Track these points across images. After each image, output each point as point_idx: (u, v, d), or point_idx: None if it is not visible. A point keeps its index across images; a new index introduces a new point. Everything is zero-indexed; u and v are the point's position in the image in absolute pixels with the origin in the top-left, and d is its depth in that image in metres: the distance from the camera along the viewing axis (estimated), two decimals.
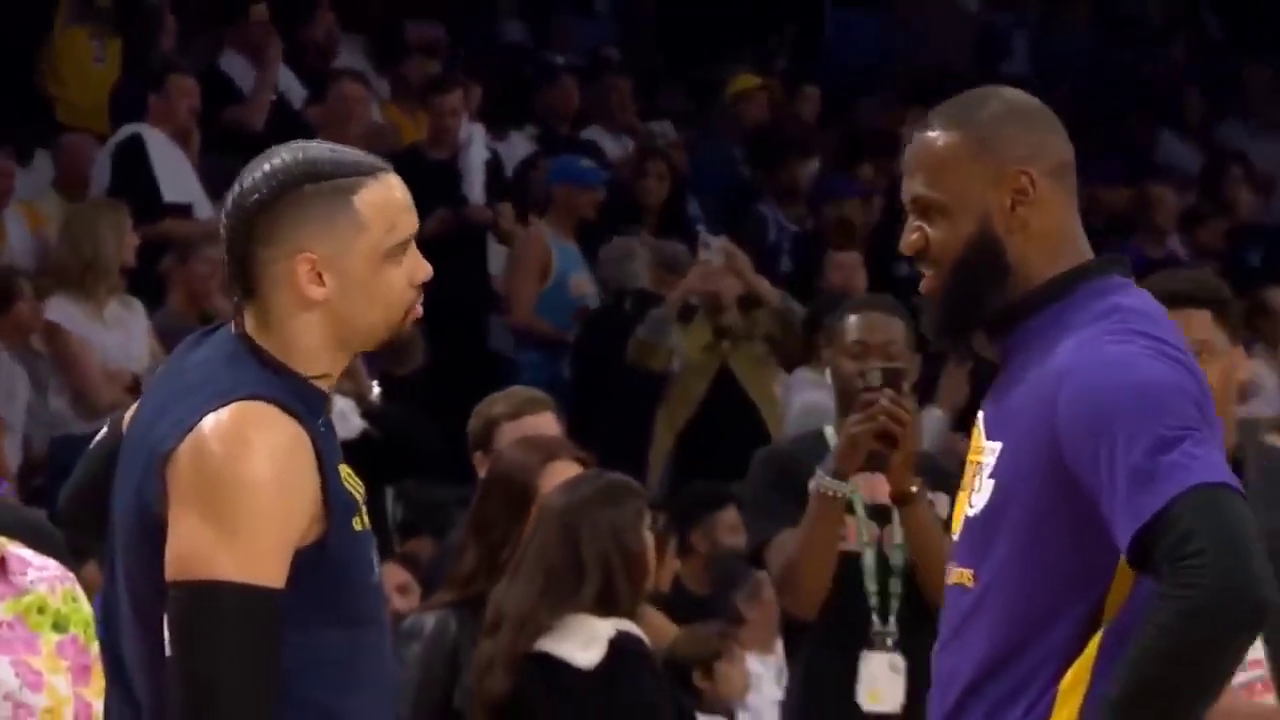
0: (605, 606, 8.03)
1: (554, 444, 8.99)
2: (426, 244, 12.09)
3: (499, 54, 20.73)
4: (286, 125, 15.34)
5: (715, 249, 15.23)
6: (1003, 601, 5.00)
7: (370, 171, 5.11)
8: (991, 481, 5.00)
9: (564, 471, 8.41)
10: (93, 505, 5.40)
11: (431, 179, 16.18)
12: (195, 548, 4.78)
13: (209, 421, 4.80)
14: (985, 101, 5.06)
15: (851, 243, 17.20)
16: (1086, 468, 4.80)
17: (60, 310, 13.76)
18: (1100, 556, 4.84)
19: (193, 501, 4.82)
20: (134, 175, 15.73)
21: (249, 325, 5.08)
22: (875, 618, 9.12)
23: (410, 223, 5.14)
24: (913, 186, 5.05)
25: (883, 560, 9.22)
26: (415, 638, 8.44)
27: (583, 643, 8.03)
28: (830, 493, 8.91)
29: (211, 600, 4.78)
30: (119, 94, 16.66)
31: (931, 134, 5.01)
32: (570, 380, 16.08)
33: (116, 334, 13.35)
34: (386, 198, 5.10)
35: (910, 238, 5.01)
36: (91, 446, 5.67)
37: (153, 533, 4.92)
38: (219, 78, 17.61)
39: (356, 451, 11.94)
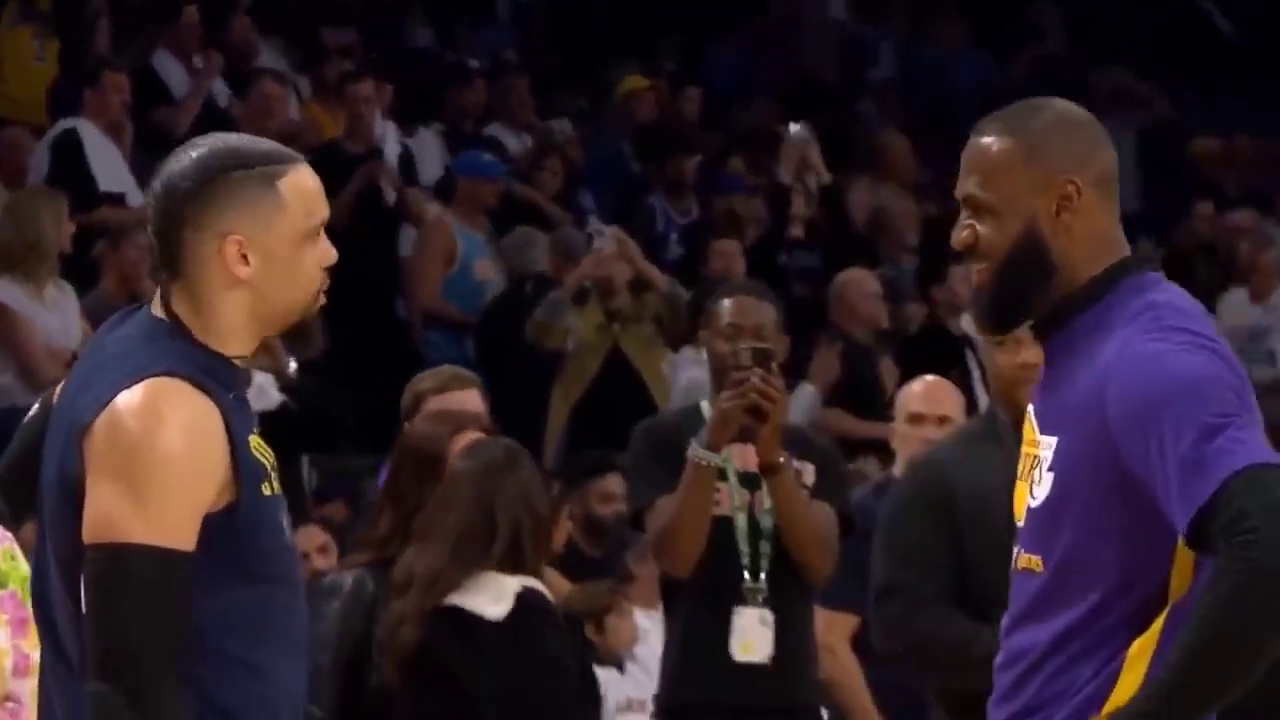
0: (513, 565, 7.92)
1: (463, 417, 8.80)
2: (343, 230, 11.81)
3: (408, 57, 20.44)
4: (212, 122, 15.03)
5: (608, 237, 15.06)
6: (1071, 584, 4.89)
7: (289, 160, 4.99)
8: (1051, 474, 4.90)
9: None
10: (26, 475, 5.21)
11: (349, 171, 15.92)
12: (109, 514, 4.66)
13: (123, 397, 4.70)
14: (1038, 112, 4.97)
15: (733, 233, 16.72)
16: (1139, 462, 4.69)
17: (4, 291, 13.35)
18: (1159, 540, 4.71)
19: (108, 471, 4.71)
20: (70, 166, 15.57)
21: (176, 304, 4.95)
22: (746, 576, 9.02)
23: (324, 208, 5.05)
24: (966, 186, 4.93)
25: (753, 523, 9.12)
26: (335, 594, 8.31)
27: (492, 598, 7.94)
28: (704, 462, 8.92)
29: (123, 562, 4.66)
30: (57, 90, 16.58)
31: (986, 139, 4.92)
32: (474, 358, 15.31)
33: (55, 314, 13.10)
34: (304, 184, 4.94)
35: (961, 234, 4.88)
36: (25, 420, 5.52)
37: (74, 500, 4.79)
38: (151, 75, 17.37)
39: (274, 422, 12.08)
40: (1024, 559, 5.05)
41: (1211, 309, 16.43)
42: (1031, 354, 7.38)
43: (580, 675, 9.43)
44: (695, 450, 9.05)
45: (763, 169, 19.43)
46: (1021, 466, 5.13)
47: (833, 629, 10.08)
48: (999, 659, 5.09)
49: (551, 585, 9.57)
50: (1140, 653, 4.81)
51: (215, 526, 4.89)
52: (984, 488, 7.53)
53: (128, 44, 17.65)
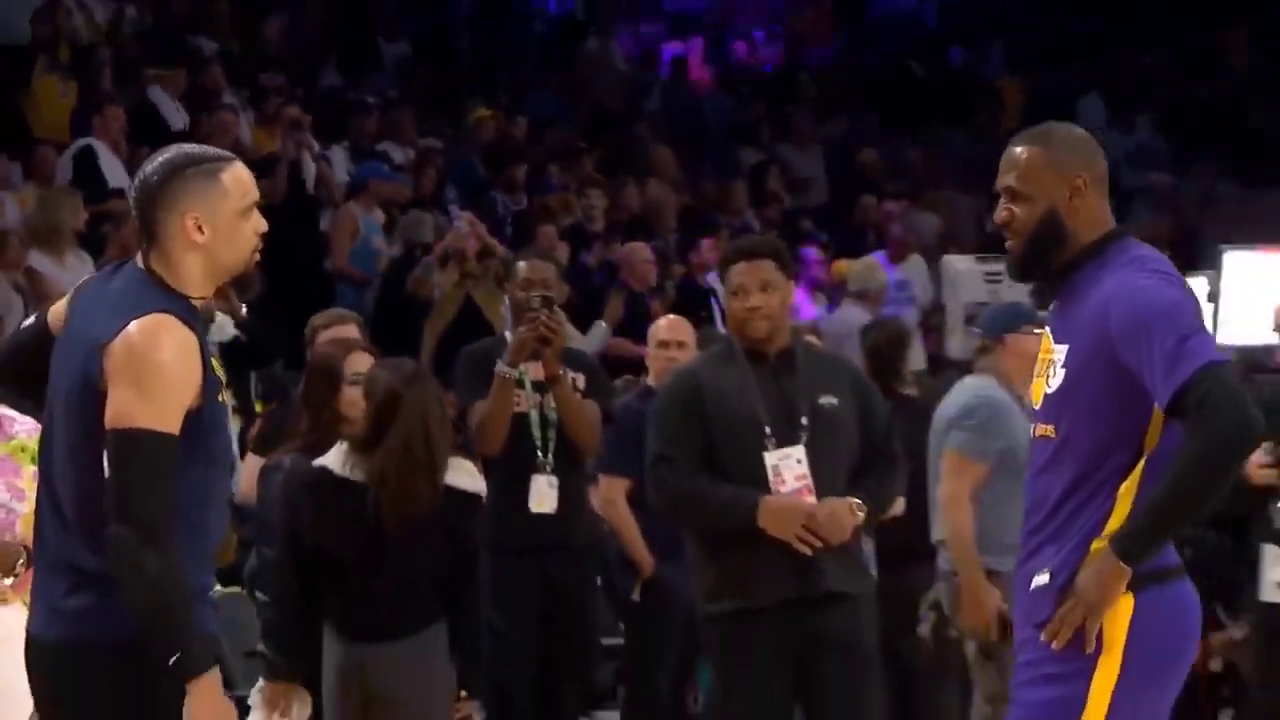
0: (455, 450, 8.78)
1: (350, 342, 9.02)
2: (279, 212, 13.26)
3: (323, 94, 20.21)
4: (188, 141, 15.77)
5: (463, 220, 15.51)
6: (1077, 445, 5.31)
7: (227, 159, 5.28)
8: (1063, 370, 5.34)
9: (360, 360, 8.31)
10: (13, 367, 5.46)
11: (283, 172, 16.80)
12: (125, 407, 4.91)
13: (134, 325, 4.94)
14: (1056, 131, 5.48)
15: (550, 220, 16.95)
16: (1133, 359, 5.17)
17: (37, 260, 13.67)
18: (1139, 412, 5.19)
19: (124, 377, 4.94)
20: (87, 171, 15.56)
21: (154, 263, 5.20)
22: (539, 454, 9.38)
23: (254, 193, 5.31)
24: (1005, 180, 5.45)
25: (543, 417, 9.44)
26: (278, 470, 8.28)
27: (466, 475, 7.98)
28: (506, 375, 9.35)
29: (135, 442, 4.91)
30: (75, 118, 16.53)
31: (1020, 149, 5.42)
32: (373, 305, 15.69)
33: (73, 276, 13.50)
34: (240, 176, 5.24)
35: (1001, 214, 5.43)
36: (20, 327, 5.76)
37: (93, 398, 5.04)
38: (149, 107, 17.14)
39: (230, 349, 12.21)
40: (1040, 429, 5.45)
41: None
42: (756, 299, 7.69)
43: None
44: (500, 366, 9.42)
45: (573, 174, 19.37)
46: (1039, 368, 5.53)
47: (612, 489, 10.17)
48: (1026, 505, 5.58)
49: None
50: (1126, 493, 5.26)
51: (188, 423, 5.15)
52: (723, 390, 7.81)
53: (128, 85, 17.33)
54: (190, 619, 5.14)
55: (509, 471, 9.79)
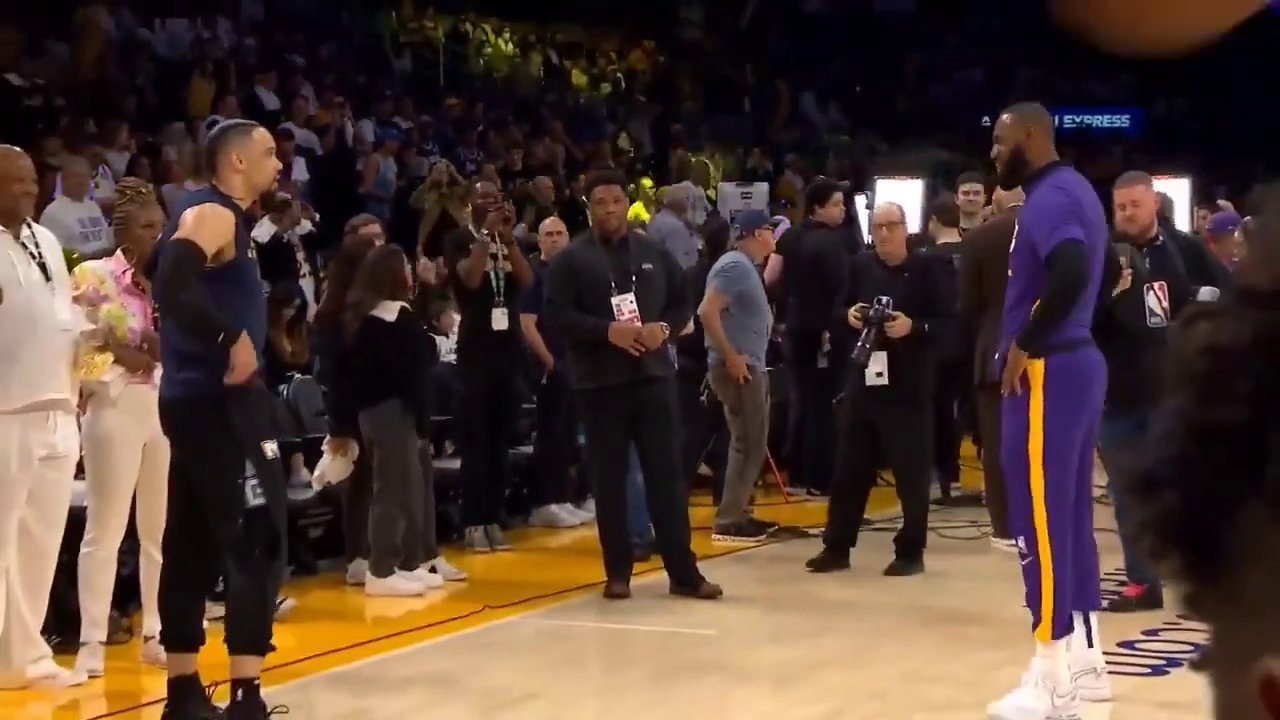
0: (390, 295, 9.50)
1: (371, 235, 10.37)
2: (331, 157, 17.54)
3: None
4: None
5: (442, 164, 17.62)
6: (1020, 282, 7.00)
7: (256, 126, 6.74)
8: (1017, 244, 7.10)
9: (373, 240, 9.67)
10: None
11: (332, 135, 18.70)
12: (181, 234, 6.20)
13: (198, 207, 6.33)
14: (1024, 105, 7.29)
15: (491, 163, 19.06)
16: (1037, 237, 6.88)
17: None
18: (1039, 267, 6.88)
19: (186, 224, 6.19)
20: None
21: (216, 181, 6.50)
22: (495, 294, 10.99)
23: (271, 142, 6.60)
24: (996, 133, 7.12)
25: (498, 273, 11.05)
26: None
27: (388, 310, 9.40)
28: (486, 243, 10.85)
29: (178, 245, 6.19)
30: (212, 106, 17.59)
31: (1005, 116, 7.12)
32: (390, 215, 17.14)
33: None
34: (264, 134, 6.62)
35: (994, 152, 7.16)
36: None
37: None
38: (255, 97, 18.47)
39: (309, 237, 14.77)
40: (1009, 273, 7.05)
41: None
42: (610, 207, 9.51)
43: (421, 340, 10.05)
44: (482, 237, 10.74)
45: (503, 139, 21.21)
46: (1013, 245, 7.05)
47: (526, 320, 11.28)
48: (1005, 316, 7.10)
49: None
50: (1036, 307, 6.89)
51: (228, 268, 6.34)
52: (588, 261, 9.41)
53: (242, 85, 18.90)
54: (217, 317, 6.29)
55: (479, 302, 10.75)
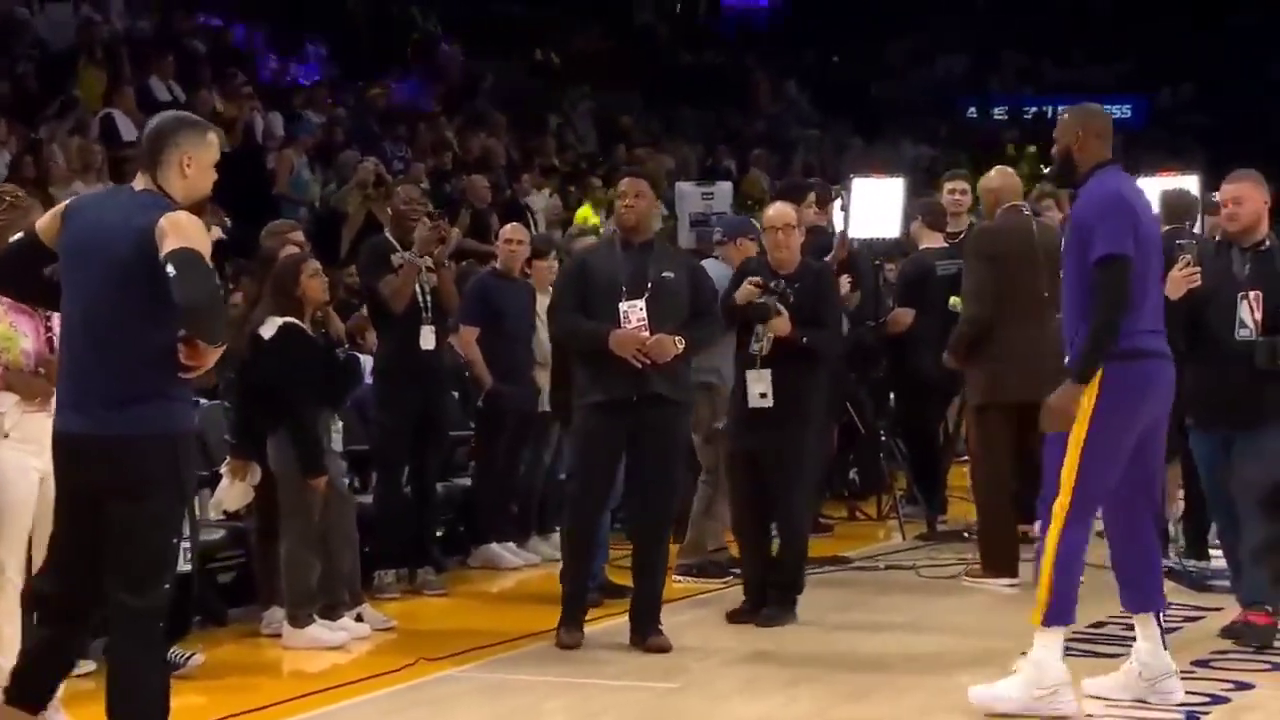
0: (280, 310, 9.61)
1: (290, 240, 10.39)
2: (236, 156, 15.74)
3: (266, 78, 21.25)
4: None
5: (369, 165, 18.04)
6: (1071, 284, 7.63)
7: (211, 127, 6.48)
8: (1068, 243, 7.60)
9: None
10: (11, 270, 6.52)
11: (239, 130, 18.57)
12: (181, 243, 5.95)
13: (170, 214, 6.08)
14: (1080, 107, 7.86)
15: (421, 161, 19.63)
16: (1090, 236, 7.43)
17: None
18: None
19: (174, 233, 5.98)
20: (109, 130, 17.03)
21: (158, 183, 6.28)
22: (423, 312, 11.28)
23: (219, 150, 6.45)
24: (1055, 131, 7.78)
25: (423, 288, 11.14)
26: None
27: (269, 328, 9.54)
28: (415, 263, 10.94)
29: (191, 253, 6.00)
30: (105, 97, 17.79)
31: (1063, 113, 7.80)
32: (309, 218, 17.57)
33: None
34: (217, 139, 6.45)
35: (1053, 150, 7.83)
36: (12, 241, 6.68)
37: (149, 257, 6.02)
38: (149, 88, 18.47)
39: (220, 245, 12.29)
40: (1062, 274, 7.62)
41: None
42: (630, 200, 9.61)
43: (333, 360, 10.04)
44: (411, 257, 10.89)
45: (433, 132, 21.34)
46: (1064, 244, 7.61)
47: (467, 334, 11.75)
48: (1063, 316, 7.66)
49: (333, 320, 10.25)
50: (1085, 337, 7.46)
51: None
52: (599, 265, 9.55)
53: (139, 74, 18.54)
54: (220, 319, 6.22)
55: (407, 324, 10.87)
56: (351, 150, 19.35)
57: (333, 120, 20.47)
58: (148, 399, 6.04)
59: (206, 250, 5.99)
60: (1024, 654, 7.53)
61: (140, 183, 6.19)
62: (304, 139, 19.39)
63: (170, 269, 5.83)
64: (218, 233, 12.86)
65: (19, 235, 6.47)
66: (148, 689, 6.13)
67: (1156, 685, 7.64)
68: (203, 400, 10.59)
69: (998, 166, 12.22)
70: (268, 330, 9.24)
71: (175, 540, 6.16)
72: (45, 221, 6.29)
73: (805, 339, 9.56)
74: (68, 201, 6.49)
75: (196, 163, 6.24)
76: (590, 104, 25.67)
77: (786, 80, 29.14)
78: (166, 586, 6.09)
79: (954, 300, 11.48)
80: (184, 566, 6.12)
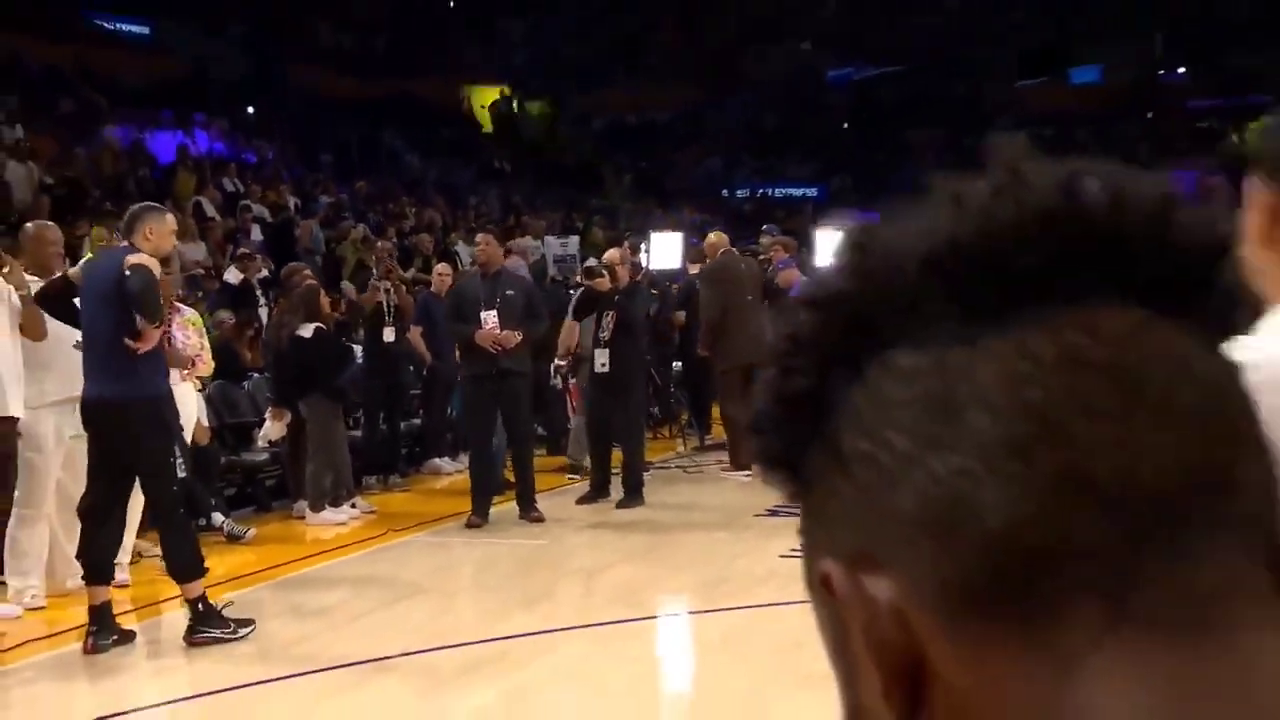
0: (306, 317, 8.92)
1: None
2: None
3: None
4: None
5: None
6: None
7: (165, 210, 6.23)
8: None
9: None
10: (63, 298, 6.08)
11: None
12: (133, 261, 5.72)
13: (135, 255, 5.83)
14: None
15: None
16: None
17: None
18: None
19: (135, 269, 5.72)
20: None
21: (133, 243, 6.01)
22: (386, 316, 10.53)
23: (175, 226, 6.19)
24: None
25: (387, 303, 10.45)
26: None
27: (308, 329, 8.86)
28: (378, 285, 10.31)
29: (138, 265, 5.73)
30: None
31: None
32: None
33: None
34: (171, 219, 6.20)
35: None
36: (57, 278, 6.32)
37: (120, 285, 5.74)
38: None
39: (239, 285, 13.30)
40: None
41: None
42: (480, 248, 9.02)
43: (343, 350, 9.51)
44: (374, 283, 10.35)
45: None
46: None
47: (414, 332, 10.67)
48: None
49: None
50: None
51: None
52: (470, 289, 9.09)
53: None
54: (157, 309, 5.78)
55: (374, 324, 10.58)
56: (347, 221, 18.12)
57: (337, 202, 19.56)
58: (130, 374, 5.81)
59: (155, 270, 5.81)
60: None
61: (124, 244, 6.00)
62: (319, 213, 18.40)
63: (127, 272, 5.68)
64: (264, 272, 13.28)
65: (58, 275, 6.23)
66: (179, 551, 5.95)
67: None
68: (255, 374, 10.23)
69: (715, 230, 12.34)
70: (306, 332, 8.81)
71: (170, 460, 5.82)
72: (75, 270, 6.10)
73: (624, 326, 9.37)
74: (87, 257, 6.43)
75: (156, 232, 5.95)
76: (496, 189, 24.66)
77: (622, 174, 28.51)
78: (175, 488, 5.84)
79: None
80: (181, 474, 5.88)
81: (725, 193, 29.91)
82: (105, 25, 22.85)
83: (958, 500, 0.48)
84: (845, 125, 30.92)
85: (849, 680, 0.51)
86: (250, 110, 22.16)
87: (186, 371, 7.22)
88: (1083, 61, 29.09)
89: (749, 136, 31.57)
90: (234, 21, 24.48)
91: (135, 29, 23.39)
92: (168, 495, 5.78)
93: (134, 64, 21.28)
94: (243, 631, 5.93)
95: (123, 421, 5.65)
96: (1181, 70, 28.97)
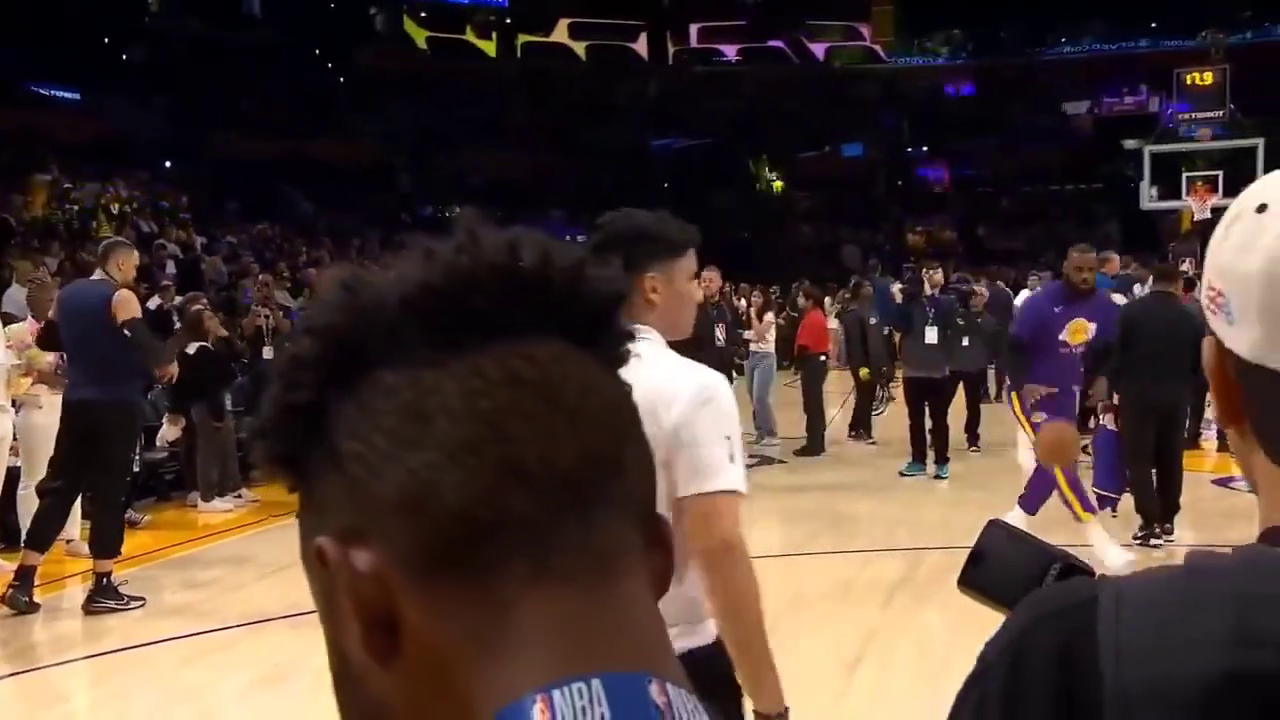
0: None
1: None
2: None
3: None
4: None
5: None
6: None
7: (132, 246, 5.94)
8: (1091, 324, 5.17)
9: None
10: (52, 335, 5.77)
11: None
12: (129, 313, 5.51)
13: (120, 291, 5.58)
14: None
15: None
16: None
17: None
18: None
19: (124, 306, 5.50)
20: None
21: (106, 273, 5.73)
22: None
23: (138, 259, 5.89)
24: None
25: None
26: None
27: (191, 347, 8.47)
28: None
29: (140, 322, 5.58)
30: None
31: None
32: None
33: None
34: (135, 252, 5.94)
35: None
36: (51, 320, 5.89)
37: (109, 317, 5.53)
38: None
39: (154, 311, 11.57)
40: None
41: None
42: None
43: (211, 365, 8.74)
44: (255, 310, 10.06)
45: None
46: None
47: None
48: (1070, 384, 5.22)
49: None
50: None
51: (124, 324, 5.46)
52: None
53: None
54: (160, 350, 5.78)
55: (255, 344, 10.17)
56: (247, 257, 17.31)
57: (239, 242, 18.95)
58: (116, 381, 5.71)
59: (139, 313, 5.67)
60: None
61: (98, 274, 5.81)
62: (222, 252, 17.56)
63: (128, 333, 5.49)
64: (177, 300, 11.63)
65: (49, 318, 6.04)
66: (111, 532, 5.87)
67: None
68: (157, 386, 9.58)
69: None
70: (191, 349, 8.59)
71: (131, 456, 5.87)
72: (54, 308, 6.00)
73: None
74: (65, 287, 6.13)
75: (125, 264, 5.84)
76: (378, 233, 23.96)
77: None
78: (126, 480, 5.84)
79: None
80: (135, 469, 6.03)
81: (567, 238, 29.73)
82: (42, 91, 22.80)
83: (426, 486, 0.50)
84: (665, 185, 30.42)
85: (336, 635, 0.53)
86: (167, 164, 21.70)
87: None
88: (849, 140, 31.17)
89: (585, 194, 30.55)
90: (158, 93, 24.34)
91: (67, 95, 23.26)
92: (119, 485, 5.69)
93: (67, 124, 21.01)
94: (134, 605, 5.80)
95: (102, 422, 5.53)
96: (923, 148, 31.95)
